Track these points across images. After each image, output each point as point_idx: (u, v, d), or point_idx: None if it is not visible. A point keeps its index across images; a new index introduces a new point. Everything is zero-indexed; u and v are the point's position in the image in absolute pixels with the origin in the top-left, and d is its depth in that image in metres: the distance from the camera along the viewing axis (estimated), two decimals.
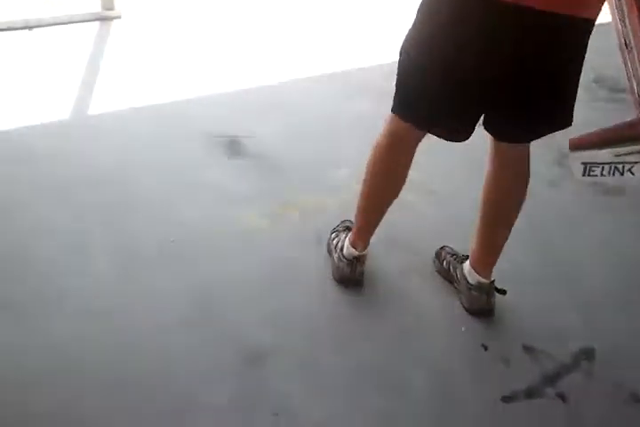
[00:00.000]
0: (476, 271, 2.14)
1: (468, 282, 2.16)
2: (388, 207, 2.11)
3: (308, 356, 1.96)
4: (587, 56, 1.73)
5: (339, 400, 1.85)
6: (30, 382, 1.77)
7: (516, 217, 2.04)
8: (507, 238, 2.08)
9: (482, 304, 2.16)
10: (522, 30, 1.61)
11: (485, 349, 2.07)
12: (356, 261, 2.18)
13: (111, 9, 3.79)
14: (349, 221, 2.31)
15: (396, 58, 1.81)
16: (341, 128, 3.09)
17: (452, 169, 2.83)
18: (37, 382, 1.77)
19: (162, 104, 3.06)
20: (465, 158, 2.64)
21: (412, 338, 2.07)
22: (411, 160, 2.01)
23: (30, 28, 3.53)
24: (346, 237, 2.22)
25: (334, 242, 2.29)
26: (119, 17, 3.79)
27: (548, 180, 2.89)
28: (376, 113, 3.15)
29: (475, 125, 1.82)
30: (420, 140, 1.97)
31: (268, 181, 2.67)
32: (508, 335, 2.13)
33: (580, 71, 1.76)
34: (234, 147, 2.84)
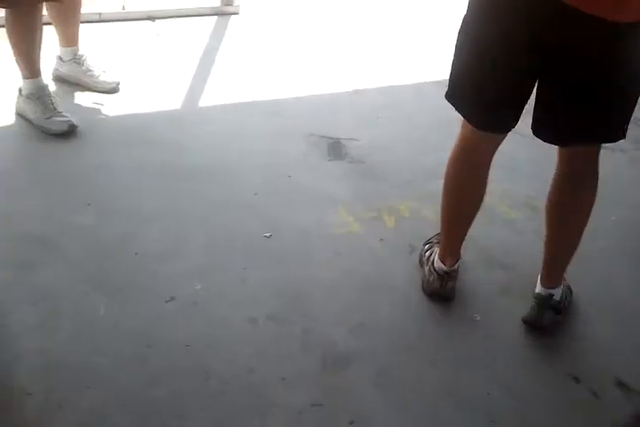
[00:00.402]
0: (540, 281, 2.10)
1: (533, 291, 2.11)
2: (470, 220, 2.10)
3: (391, 367, 1.92)
4: None
5: (417, 416, 1.81)
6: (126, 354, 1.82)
7: (581, 227, 1.98)
8: (571, 250, 2.04)
9: (532, 317, 2.09)
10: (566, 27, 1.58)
11: (577, 381, 1.97)
12: (447, 276, 2.14)
13: (230, 4, 3.87)
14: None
15: None
16: (449, 136, 3.03)
17: None
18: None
19: (269, 101, 3.09)
20: None
21: (498, 361, 2.00)
22: (485, 172, 2.01)
23: (153, 19, 3.64)
24: (437, 251, 2.20)
25: (427, 254, 2.25)
26: (237, 13, 3.86)
27: None
28: None
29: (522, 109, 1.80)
30: (491, 149, 1.97)
31: (366, 186, 2.65)
32: (602, 368, 2.03)
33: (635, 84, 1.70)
34: (336, 149, 2.84)
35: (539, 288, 2.09)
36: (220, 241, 2.25)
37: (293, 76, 3.31)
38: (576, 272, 2.21)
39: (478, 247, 2.41)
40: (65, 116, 2.63)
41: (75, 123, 2.63)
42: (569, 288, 2.21)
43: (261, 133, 2.87)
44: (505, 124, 1.86)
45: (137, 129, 2.72)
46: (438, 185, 2.68)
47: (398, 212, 2.54)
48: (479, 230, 2.48)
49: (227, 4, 3.86)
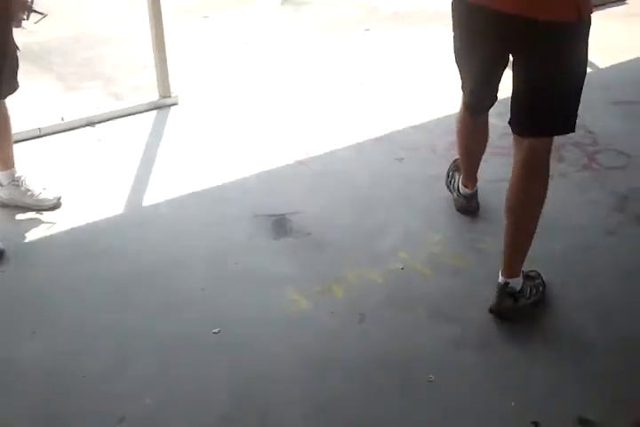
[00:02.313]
0: (500, 272, 2.34)
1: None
2: (480, 156, 2.74)
3: None
4: None
5: None
6: None
7: (533, 217, 2.26)
8: (525, 240, 2.30)
9: (492, 304, 2.34)
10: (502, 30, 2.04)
11: (536, 426, 1.96)
12: (470, 196, 2.85)
13: (168, 96, 3.97)
14: (458, 159, 2.89)
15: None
16: (389, 194, 3.09)
17: None
18: None
19: (213, 188, 3.15)
20: None
21: (458, 419, 1.99)
22: (482, 127, 2.63)
23: (93, 124, 3.75)
24: (459, 178, 2.85)
25: (451, 182, 2.94)
26: (176, 103, 3.96)
27: (605, 228, 2.76)
28: (423, 175, 3.18)
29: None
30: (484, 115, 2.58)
31: (313, 259, 2.68)
32: (561, 409, 2.01)
33: (574, 77, 2.07)
34: (281, 225, 2.88)
35: (500, 278, 2.33)
36: (168, 346, 2.27)
37: (235, 158, 3.38)
38: None
39: (428, 302, 2.43)
40: None
41: (1, 247, 2.66)
42: (539, 282, 2.42)
43: (207, 223, 2.92)
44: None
45: (80, 243, 2.77)
46: (385, 244, 2.75)
47: (347, 280, 2.56)
48: (427, 284, 2.52)
49: (164, 97, 3.96)
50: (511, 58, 2.15)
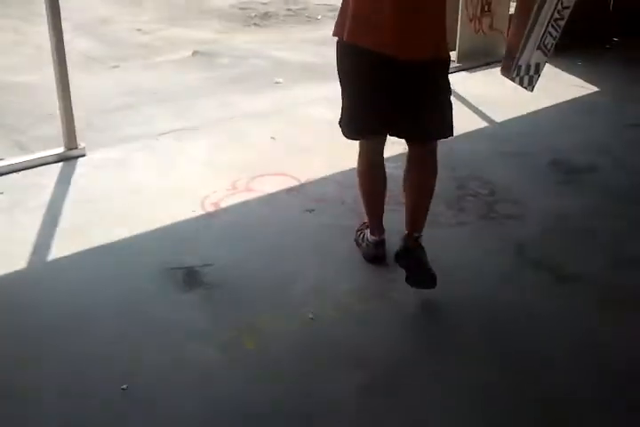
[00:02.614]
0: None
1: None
2: (383, 201, 2.92)
3: None
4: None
5: None
6: None
7: (431, 196, 2.78)
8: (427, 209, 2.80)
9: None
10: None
11: None
12: (380, 244, 2.96)
13: (75, 148, 3.92)
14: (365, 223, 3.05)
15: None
16: (300, 243, 3.14)
17: None
18: None
19: (121, 240, 3.12)
20: None
21: None
22: (382, 169, 2.87)
23: None
24: (367, 231, 2.99)
25: (360, 236, 3.05)
26: (84, 154, 3.92)
27: (504, 277, 2.91)
28: (334, 223, 3.25)
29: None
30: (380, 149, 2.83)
31: (224, 310, 2.69)
32: None
33: (447, 93, 2.64)
34: (191, 277, 2.87)
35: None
36: (74, 408, 2.20)
37: (144, 211, 3.36)
38: None
39: (336, 348, 2.47)
40: None
41: None
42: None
43: (116, 276, 2.88)
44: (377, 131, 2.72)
45: None
46: (295, 293, 2.78)
47: (259, 329, 2.58)
48: (337, 331, 2.56)
49: (71, 149, 3.92)
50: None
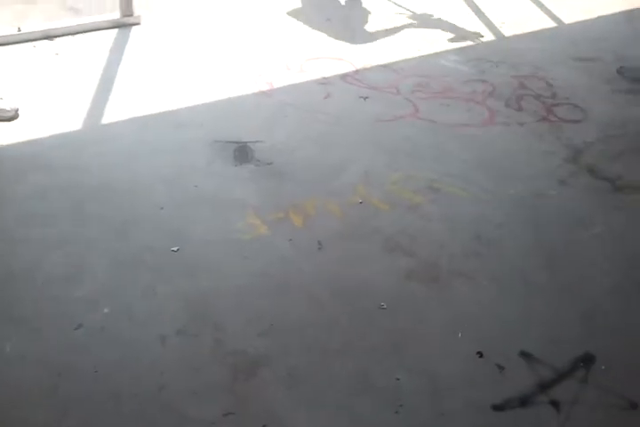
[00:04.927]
0: None
1: None
2: None
3: (302, 366, 1.98)
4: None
5: (331, 411, 1.87)
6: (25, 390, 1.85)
7: None
8: None
9: None
10: None
11: (481, 355, 2.06)
12: None
13: (130, 15, 3.85)
14: None
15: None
16: (352, 131, 3.10)
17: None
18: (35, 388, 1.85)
19: (174, 111, 3.11)
20: None
21: (407, 346, 2.08)
22: None
23: (51, 37, 3.61)
24: None
25: None
26: (138, 23, 3.84)
27: (559, 179, 2.86)
28: (390, 114, 3.20)
29: None
30: None
31: (273, 187, 2.70)
32: (504, 342, 2.12)
33: None
34: (242, 153, 2.87)
35: None
36: (126, 261, 2.28)
37: (198, 83, 3.33)
38: None
39: (384, 236, 2.49)
40: None
41: None
42: None
43: (166, 145, 2.89)
44: None
45: (37, 155, 2.72)
46: (344, 179, 2.78)
47: (305, 210, 2.59)
48: (383, 218, 2.57)
49: (126, 15, 3.84)
50: None
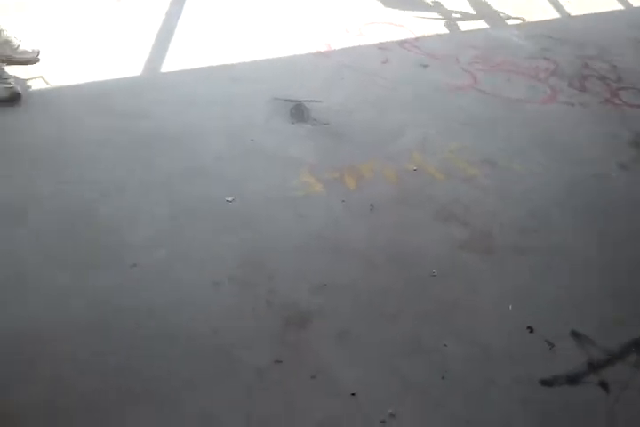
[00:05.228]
0: None
1: None
2: None
3: (352, 325, 1.97)
4: None
5: (377, 370, 1.86)
6: (83, 324, 1.86)
7: None
8: None
9: None
10: None
11: (531, 331, 2.04)
12: None
13: None
14: None
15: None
16: (411, 98, 3.06)
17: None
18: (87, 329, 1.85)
19: (232, 65, 3.08)
20: None
21: (456, 314, 2.06)
22: None
23: None
24: None
25: None
26: None
27: (619, 162, 2.80)
28: (449, 84, 3.14)
29: None
30: None
31: (328, 148, 2.67)
32: (556, 320, 2.09)
33: None
34: (298, 111, 2.84)
35: None
36: (183, 207, 2.27)
37: (256, 39, 3.30)
38: None
39: (438, 204, 2.46)
40: (9, 83, 2.59)
41: (19, 90, 2.60)
42: None
43: (224, 98, 2.86)
44: None
45: (95, 97, 2.71)
46: (401, 145, 2.74)
47: (360, 172, 2.56)
48: (438, 187, 2.53)
49: None
50: None
